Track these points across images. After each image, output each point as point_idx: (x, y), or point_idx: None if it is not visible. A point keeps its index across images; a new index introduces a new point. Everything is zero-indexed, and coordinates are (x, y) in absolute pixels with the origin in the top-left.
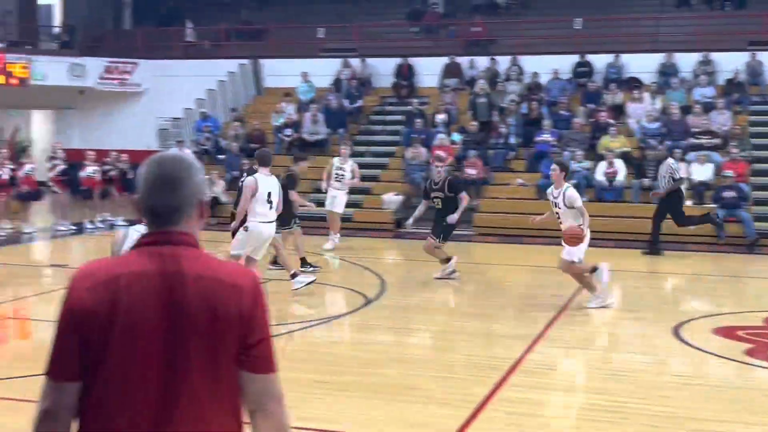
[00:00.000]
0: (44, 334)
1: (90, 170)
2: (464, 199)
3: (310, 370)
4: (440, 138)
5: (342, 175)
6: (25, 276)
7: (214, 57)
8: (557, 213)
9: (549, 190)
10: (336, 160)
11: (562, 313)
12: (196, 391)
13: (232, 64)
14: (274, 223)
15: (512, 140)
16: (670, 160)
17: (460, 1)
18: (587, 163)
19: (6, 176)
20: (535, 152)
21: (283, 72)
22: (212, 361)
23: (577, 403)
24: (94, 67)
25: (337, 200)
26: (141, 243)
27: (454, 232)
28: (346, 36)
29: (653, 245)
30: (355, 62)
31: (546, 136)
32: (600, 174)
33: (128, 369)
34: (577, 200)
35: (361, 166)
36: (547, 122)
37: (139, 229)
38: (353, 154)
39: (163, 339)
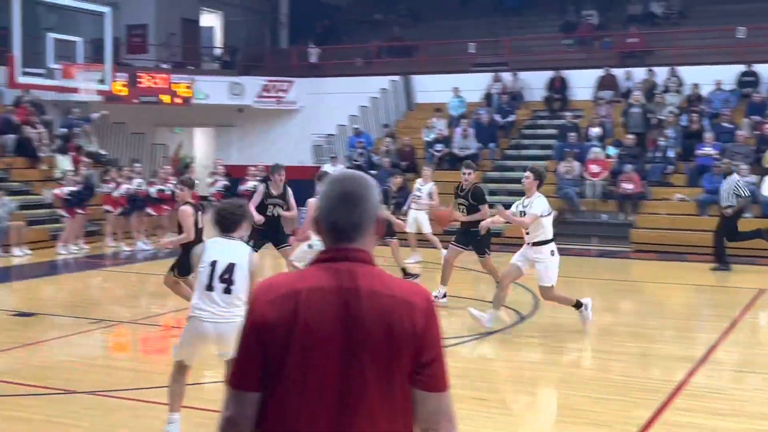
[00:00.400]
0: None
1: (250, 184)
2: (483, 212)
3: (465, 386)
4: (594, 151)
5: (419, 196)
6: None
7: (367, 74)
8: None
9: (517, 202)
10: (418, 182)
11: (726, 335)
12: (370, 405)
13: (384, 81)
14: None
15: (671, 154)
16: (735, 177)
17: (614, 13)
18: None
19: (170, 191)
20: (696, 166)
21: (434, 87)
22: (386, 377)
23: (742, 429)
24: (252, 86)
25: (418, 222)
26: (319, 259)
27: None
28: (497, 50)
29: (720, 260)
30: (506, 76)
31: (707, 149)
32: (766, 189)
33: (305, 381)
34: (537, 207)
35: (512, 180)
36: (708, 135)
37: (217, 241)
38: (503, 168)
39: (339, 353)
